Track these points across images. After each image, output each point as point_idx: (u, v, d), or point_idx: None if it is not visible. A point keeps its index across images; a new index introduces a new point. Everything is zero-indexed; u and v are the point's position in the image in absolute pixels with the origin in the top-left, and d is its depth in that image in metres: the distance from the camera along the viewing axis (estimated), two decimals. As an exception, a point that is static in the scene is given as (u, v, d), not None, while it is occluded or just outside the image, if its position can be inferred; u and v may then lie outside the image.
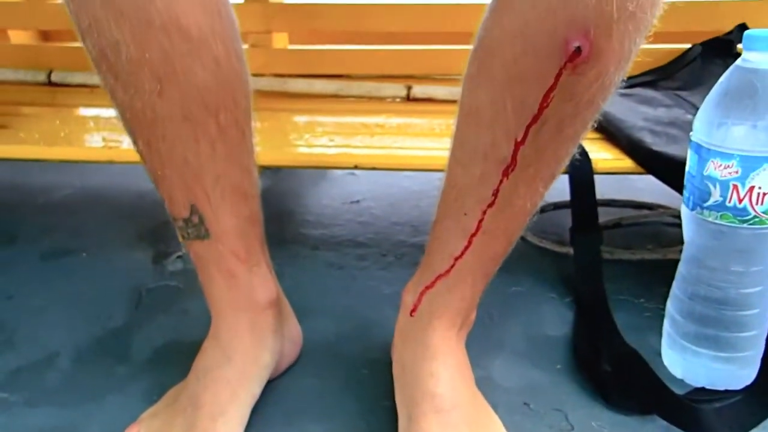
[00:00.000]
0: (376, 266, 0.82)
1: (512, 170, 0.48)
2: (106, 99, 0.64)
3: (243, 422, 0.55)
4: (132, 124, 0.49)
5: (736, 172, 0.52)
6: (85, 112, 0.90)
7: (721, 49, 0.93)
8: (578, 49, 0.42)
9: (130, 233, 0.91)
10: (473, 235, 0.51)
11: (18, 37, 1.11)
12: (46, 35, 1.15)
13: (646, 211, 0.95)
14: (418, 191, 1.02)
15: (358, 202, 1.00)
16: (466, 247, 0.52)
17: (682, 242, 0.60)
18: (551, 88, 0.44)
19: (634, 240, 0.87)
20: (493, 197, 0.49)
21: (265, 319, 0.57)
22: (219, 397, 0.54)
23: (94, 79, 0.99)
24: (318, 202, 1.00)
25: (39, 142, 0.78)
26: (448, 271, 0.53)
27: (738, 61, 0.52)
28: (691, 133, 0.56)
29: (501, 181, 0.48)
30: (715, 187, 0.53)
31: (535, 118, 0.45)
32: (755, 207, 0.52)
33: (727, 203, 0.53)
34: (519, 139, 0.46)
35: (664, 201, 0.96)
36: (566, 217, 0.77)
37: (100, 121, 0.86)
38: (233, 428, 0.53)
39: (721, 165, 0.52)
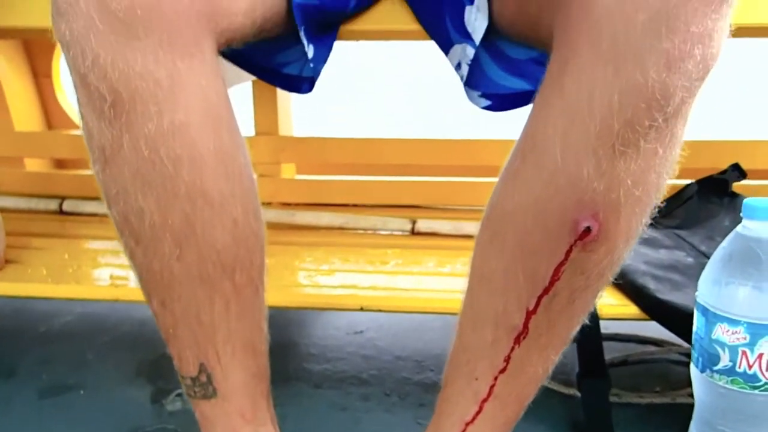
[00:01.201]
0: (380, 408, 0.80)
1: (524, 338, 0.48)
2: (114, 230, 0.66)
3: None
4: (149, 284, 0.50)
5: (744, 339, 0.52)
6: (94, 245, 0.91)
7: (716, 188, 0.96)
8: (588, 229, 0.44)
9: (129, 367, 0.89)
10: (484, 400, 0.51)
11: (32, 164, 1.14)
12: (60, 163, 1.18)
13: (652, 348, 0.95)
14: (422, 322, 1.02)
15: (361, 332, 1.00)
16: (478, 413, 0.51)
17: (690, 383, 0.59)
18: (562, 263, 0.45)
19: (642, 380, 0.85)
20: (505, 363, 0.49)
21: (269, 481, 0.56)
22: None
23: (105, 208, 1.02)
24: (322, 333, 0.99)
25: (47, 278, 0.79)
26: (460, 434, 0.52)
27: (739, 228, 0.54)
28: (696, 294, 0.56)
29: (513, 348, 0.49)
30: (724, 351, 0.53)
31: (546, 290, 0.46)
32: (765, 374, 0.52)
33: (737, 369, 0.53)
34: (531, 309, 0.47)
35: (670, 336, 0.95)
36: (572, 355, 0.76)
37: (108, 254, 0.87)
38: None
39: (728, 330, 0.53)
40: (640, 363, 0.91)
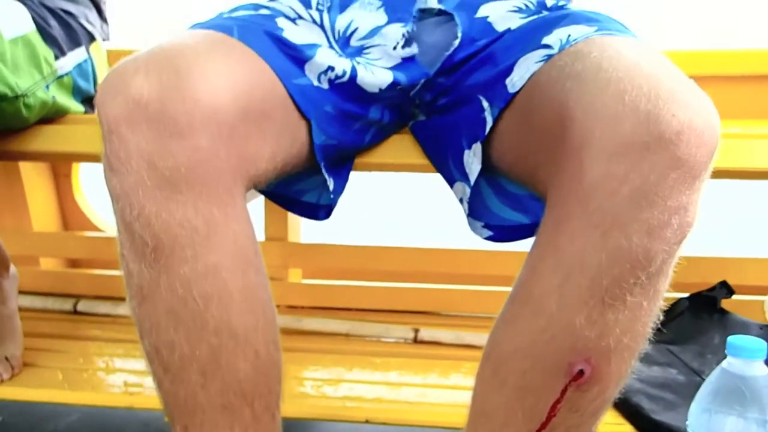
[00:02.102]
0: None
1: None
2: (128, 332, 0.68)
3: None
4: (173, 411, 0.53)
5: (734, 472, 0.55)
6: (108, 348, 0.94)
7: (706, 305, 1.00)
8: (581, 372, 0.48)
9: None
10: None
11: (47, 263, 1.19)
12: (74, 263, 1.23)
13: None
14: None
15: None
16: None
17: None
18: (558, 401, 0.49)
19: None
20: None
21: None
22: None
23: (119, 309, 1.06)
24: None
25: (63, 384, 0.82)
26: None
27: (724, 364, 0.58)
28: (687, 423, 0.60)
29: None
30: (715, 482, 0.56)
31: (543, 425, 0.50)
32: (755, 506, 0.55)
33: (728, 500, 0.55)
34: (528, 446, 0.50)
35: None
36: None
37: (122, 358, 0.90)
38: None
39: (718, 462, 0.56)
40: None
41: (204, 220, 0.49)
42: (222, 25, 0.56)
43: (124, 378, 0.84)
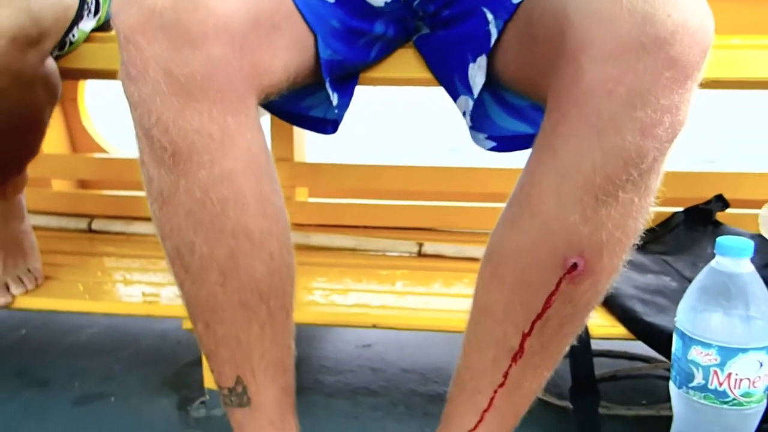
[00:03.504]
0: (389, 417, 0.87)
1: (520, 357, 0.55)
2: (143, 248, 0.69)
3: None
4: (195, 309, 0.57)
5: (716, 360, 0.59)
6: (124, 263, 0.98)
7: (701, 217, 1.03)
8: (575, 265, 0.51)
9: (154, 377, 0.96)
10: (485, 411, 0.58)
11: (59, 185, 1.22)
12: (83, 184, 1.25)
13: (640, 364, 1.02)
14: (426, 337, 1.09)
15: (369, 346, 1.07)
16: (479, 422, 0.58)
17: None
18: (553, 293, 0.52)
19: (630, 394, 0.92)
20: (504, 379, 0.56)
21: (295, 482, 0.62)
22: None
23: (132, 227, 1.09)
24: (333, 347, 1.06)
25: (84, 295, 0.86)
26: (462, 445, 0.59)
27: (713, 263, 0.61)
28: (675, 319, 0.64)
29: (510, 366, 0.56)
30: (698, 370, 0.61)
31: (539, 316, 0.53)
32: (734, 391, 0.59)
33: (709, 386, 0.60)
34: (526, 332, 0.54)
35: (657, 354, 1.02)
36: (565, 370, 0.83)
37: (138, 272, 0.94)
38: None
39: (702, 352, 0.60)
40: (628, 378, 0.98)
41: (219, 127, 0.51)
42: None
43: (141, 289, 0.89)
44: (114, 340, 1.08)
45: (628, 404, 0.89)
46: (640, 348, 1.04)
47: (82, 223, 1.08)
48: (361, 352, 1.05)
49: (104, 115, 1.48)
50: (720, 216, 1.04)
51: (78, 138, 1.28)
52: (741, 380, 0.59)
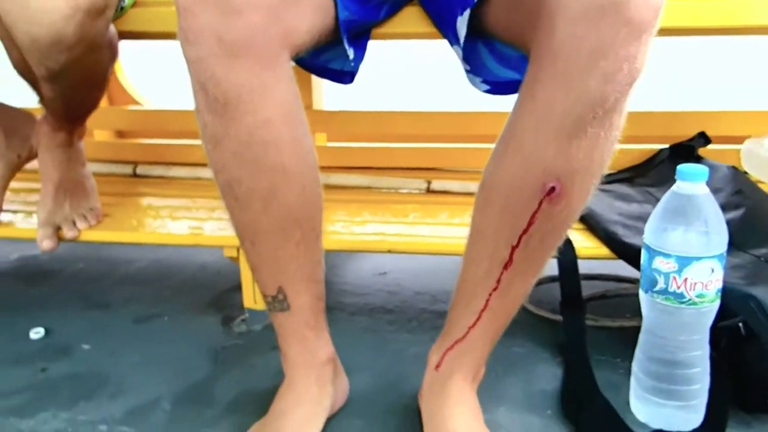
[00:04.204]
0: (403, 330, 1.01)
1: (510, 266, 0.67)
2: (184, 190, 0.80)
3: (311, 450, 0.73)
4: (243, 232, 0.70)
5: (674, 267, 0.71)
6: (168, 202, 1.11)
7: (685, 153, 1.14)
8: (552, 189, 0.62)
9: (199, 300, 1.10)
10: (482, 310, 0.70)
11: (100, 135, 1.34)
12: (120, 134, 1.38)
13: (627, 285, 1.14)
14: (435, 264, 1.22)
15: (385, 273, 1.20)
16: (477, 320, 0.71)
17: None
18: (536, 212, 0.64)
19: (616, 309, 1.05)
20: (497, 284, 0.69)
21: (325, 373, 0.76)
22: (295, 431, 0.72)
23: (171, 172, 1.22)
24: (353, 274, 1.20)
25: (138, 228, 0.99)
26: (463, 337, 0.72)
27: (674, 187, 0.73)
28: (643, 236, 0.76)
29: (502, 273, 0.68)
30: (660, 277, 0.73)
31: (525, 231, 0.65)
32: (690, 293, 0.72)
33: (669, 289, 0.72)
34: (514, 245, 0.66)
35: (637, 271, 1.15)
36: (557, 288, 0.96)
37: (181, 210, 1.07)
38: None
39: (663, 261, 0.72)
40: (615, 297, 1.10)
41: (260, 81, 0.63)
42: None
43: (187, 224, 1.02)
44: (160, 271, 1.22)
45: (613, 317, 1.02)
46: (628, 271, 1.17)
47: (128, 169, 1.21)
48: (378, 279, 1.19)
49: (136, 71, 1.59)
50: (703, 151, 1.14)
51: (115, 92, 1.39)
52: (695, 283, 0.71)
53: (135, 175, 1.21)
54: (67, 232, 0.97)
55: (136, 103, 1.40)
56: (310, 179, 0.69)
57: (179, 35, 0.62)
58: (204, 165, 1.20)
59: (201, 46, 0.61)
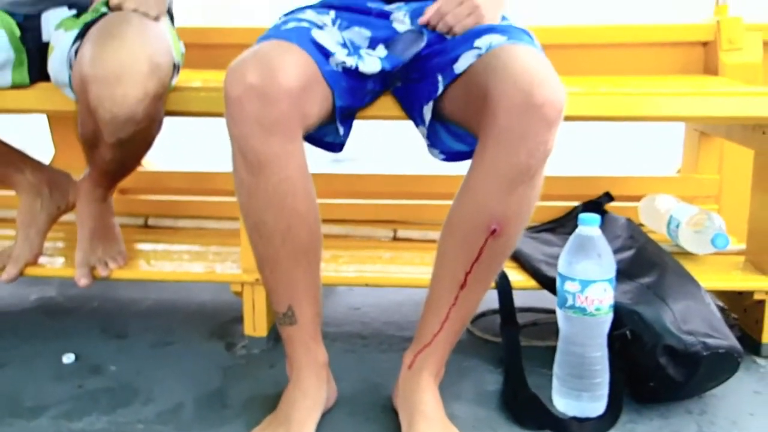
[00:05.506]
0: (377, 351, 1.24)
1: (465, 286, 0.93)
2: (188, 237, 1.05)
3: (314, 432, 0.96)
4: (265, 261, 0.94)
5: (578, 288, 0.98)
6: (179, 247, 1.33)
7: (594, 208, 1.44)
8: (495, 230, 0.89)
9: (204, 331, 1.31)
10: (444, 321, 0.95)
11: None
12: (123, 191, 1.59)
13: (553, 315, 1.41)
14: (401, 300, 1.46)
15: (359, 309, 1.44)
16: (440, 329, 0.96)
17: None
18: (483, 246, 0.90)
19: (545, 333, 1.31)
20: (455, 300, 0.94)
21: (324, 373, 0.99)
22: (302, 417, 0.94)
23: (179, 223, 1.44)
24: (332, 309, 1.43)
25: (159, 267, 1.21)
26: (430, 342, 0.96)
27: (578, 230, 1.01)
28: (558, 269, 1.03)
29: (459, 292, 0.94)
30: (569, 296, 0.99)
31: (476, 260, 0.91)
32: (590, 307, 0.98)
33: (576, 305, 0.99)
34: (468, 271, 0.92)
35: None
36: (496, 317, 1.22)
37: (193, 254, 1.30)
38: (310, 435, 0.94)
39: (571, 284, 0.99)
40: (546, 324, 1.37)
41: (285, 151, 0.88)
42: (284, 36, 0.94)
43: (200, 264, 1.24)
44: (167, 307, 1.42)
45: (542, 339, 1.28)
46: (554, 304, 1.43)
47: (140, 220, 1.43)
48: (353, 312, 1.42)
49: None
50: (608, 207, 1.45)
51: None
52: (594, 300, 0.98)
53: (147, 225, 1.43)
54: (101, 271, 1.18)
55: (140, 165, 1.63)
56: (315, 220, 0.94)
57: (227, 117, 0.88)
58: (206, 217, 1.44)
59: (244, 126, 0.86)
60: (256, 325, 1.22)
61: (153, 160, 1.65)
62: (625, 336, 1.02)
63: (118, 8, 1.06)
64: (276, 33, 0.96)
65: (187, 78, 1.20)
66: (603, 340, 1.01)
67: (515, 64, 0.87)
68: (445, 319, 0.95)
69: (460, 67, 0.95)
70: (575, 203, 1.46)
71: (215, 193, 1.51)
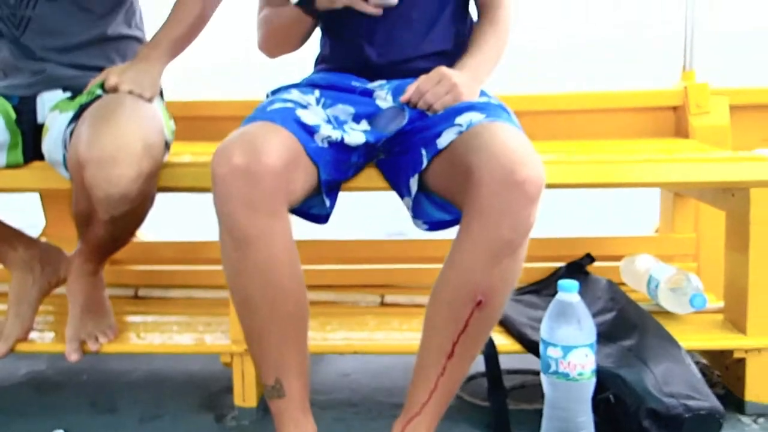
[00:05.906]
0: (366, 418, 1.25)
1: (452, 356, 0.95)
2: (177, 308, 1.08)
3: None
4: (252, 333, 0.96)
5: (561, 354, 1.01)
6: (168, 318, 1.35)
7: (577, 269, 1.47)
8: (480, 301, 0.92)
9: (193, 402, 1.31)
10: (432, 391, 0.97)
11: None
12: (114, 262, 1.61)
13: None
14: (390, 365, 1.47)
15: (348, 375, 1.44)
16: (429, 399, 0.97)
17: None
18: (469, 317, 0.93)
19: (533, 395, 1.32)
20: (443, 370, 0.96)
21: (313, 444, 1.00)
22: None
23: (169, 293, 1.45)
24: (321, 376, 1.43)
25: (149, 339, 1.22)
26: (419, 413, 0.98)
27: (557, 296, 1.03)
28: (540, 334, 1.05)
29: (446, 362, 0.96)
30: (552, 361, 1.02)
31: (462, 331, 0.94)
32: (573, 372, 1.00)
33: (559, 370, 1.01)
34: (455, 341, 0.95)
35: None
36: (484, 381, 1.23)
37: (183, 325, 1.31)
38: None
39: (553, 350, 1.01)
40: (533, 386, 1.38)
41: (269, 228, 0.91)
42: (269, 117, 0.98)
43: (192, 335, 1.25)
44: (156, 379, 1.42)
45: (529, 402, 1.29)
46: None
47: (130, 291, 1.44)
48: (343, 379, 1.43)
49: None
50: (590, 268, 1.48)
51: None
52: (576, 365, 1.00)
53: (137, 296, 1.44)
54: (92, 346, 1.20)
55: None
56: (301, 293, 0.97)
57: (214, 196, 0.91)
58: (195, 286, 1.46)
59: (230, 204, 0.90)
60: (245, 395, 1.23)
61: (143, 231, 1.67)
62: (609, 400, 1.04)
63: (114, 90, 1.11)
64: (262, 114, 1.00)
65: (177, 151, 1.24)
66: (587, 405, 1.02)
67: (496, 142, 0.92)
68: (434, 388, 0.97)
69: (442, 142, 1.00)
70: (559, 264, 1.49)
71: (204, 262, 1.54)
